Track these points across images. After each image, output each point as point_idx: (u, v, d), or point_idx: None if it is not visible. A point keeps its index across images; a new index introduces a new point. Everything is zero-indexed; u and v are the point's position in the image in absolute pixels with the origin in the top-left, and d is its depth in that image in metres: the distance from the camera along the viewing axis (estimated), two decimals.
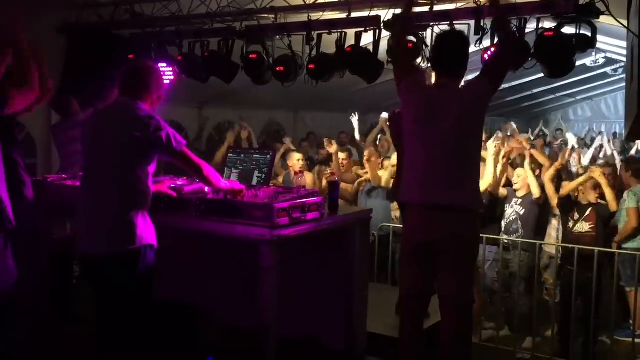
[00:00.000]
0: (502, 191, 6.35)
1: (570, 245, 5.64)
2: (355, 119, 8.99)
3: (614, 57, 11.03)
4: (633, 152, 9.92)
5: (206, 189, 3.79)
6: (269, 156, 4.26)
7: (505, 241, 6.03)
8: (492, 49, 4.17)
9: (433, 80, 3.75)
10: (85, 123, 3.56)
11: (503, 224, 6.21)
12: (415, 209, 3.57)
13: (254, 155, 4.30)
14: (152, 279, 3.27)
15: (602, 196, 5.91)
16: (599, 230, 5.76)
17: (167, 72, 5.56)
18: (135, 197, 3.21)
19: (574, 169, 8.18)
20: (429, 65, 4.06)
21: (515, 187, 6.23)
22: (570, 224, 5.89)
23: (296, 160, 6.86)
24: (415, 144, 3.57)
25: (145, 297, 3.26)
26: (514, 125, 9.46)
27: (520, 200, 6.15)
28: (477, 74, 3.57)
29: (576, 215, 5.88)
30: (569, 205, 5.95)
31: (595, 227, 5.76)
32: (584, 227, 5.80)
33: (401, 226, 4.22)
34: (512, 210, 6.18)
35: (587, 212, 5.81)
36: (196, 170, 3.39)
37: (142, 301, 3.24)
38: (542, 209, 6.20)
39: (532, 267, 5.90)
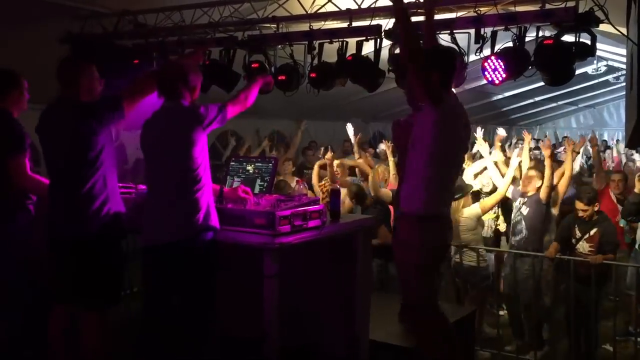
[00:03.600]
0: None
1: (566, 257, 5.48)
2: (350, 128, 8.64)
3: (616, 65, 11.03)
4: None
5: None
6: (271, 164, 4.27)
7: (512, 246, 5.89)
8: (492, 57, 4.18)
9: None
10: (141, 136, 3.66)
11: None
12: (439, 220, 3.74)
13: (256, 164, 4.31)
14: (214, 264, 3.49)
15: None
16: (600, 253, 5.43)
17: None
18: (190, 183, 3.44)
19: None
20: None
21: (522, 187, 5.93)
22: (573, 241, 5.62)
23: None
24: (443, 163, 3.71)
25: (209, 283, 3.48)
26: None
27: (525, 200, 5.85)
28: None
29: (577, 233, 5.59)
30: (568, 227, 5.66)
31: (596, 252, 5.46)
32: (584, 247, 5.54)
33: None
34: (517, 211, 5.92)
35: (592, 233, 5.51)
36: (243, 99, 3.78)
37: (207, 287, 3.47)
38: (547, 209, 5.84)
39: (537, 274, 5.65)
